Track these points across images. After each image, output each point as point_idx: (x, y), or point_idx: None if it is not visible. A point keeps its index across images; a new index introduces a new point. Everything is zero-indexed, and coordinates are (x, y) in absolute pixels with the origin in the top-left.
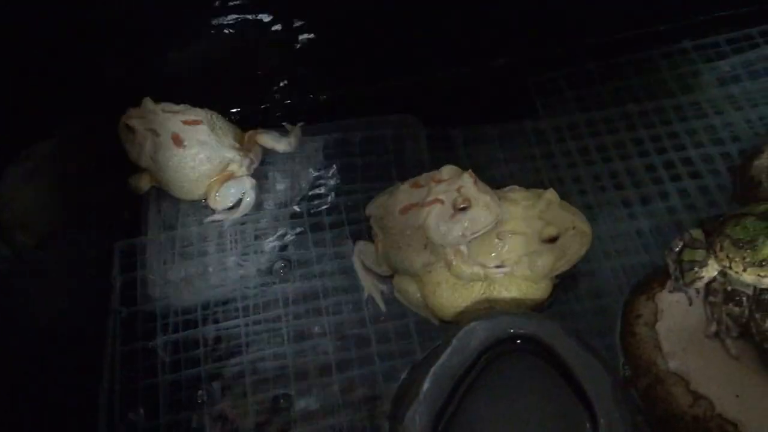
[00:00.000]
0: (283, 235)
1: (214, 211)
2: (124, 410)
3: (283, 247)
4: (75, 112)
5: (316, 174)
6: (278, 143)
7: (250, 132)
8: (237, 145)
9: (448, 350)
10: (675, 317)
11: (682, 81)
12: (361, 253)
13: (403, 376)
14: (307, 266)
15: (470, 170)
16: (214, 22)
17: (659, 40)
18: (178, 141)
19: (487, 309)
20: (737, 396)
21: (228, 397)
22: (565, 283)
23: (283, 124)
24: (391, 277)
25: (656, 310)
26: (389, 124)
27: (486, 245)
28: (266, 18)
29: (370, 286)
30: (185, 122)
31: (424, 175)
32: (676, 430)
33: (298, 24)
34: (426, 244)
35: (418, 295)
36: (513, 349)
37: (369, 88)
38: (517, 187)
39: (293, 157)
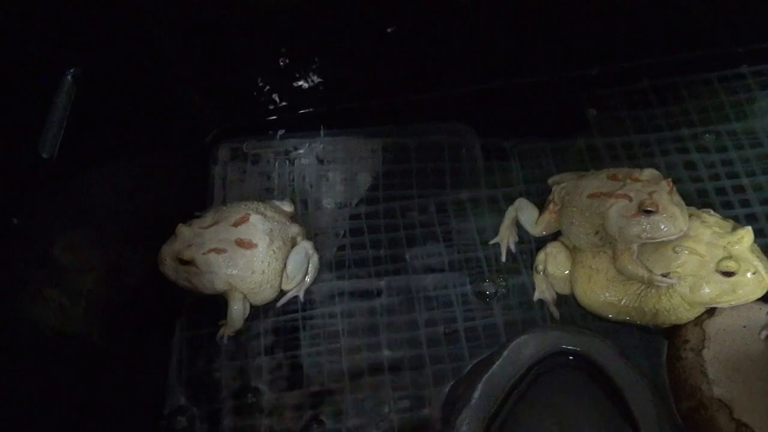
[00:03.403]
0: (341, 235)
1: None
2: None
3: (341, 247)
4: None
5: (372, 177)
6: (284, 204)
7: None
8: (287, 214)
9: (500, 360)
10: (721, 345)
11: (738, 107)
12: (520, 210)
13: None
14: (364, 266)
15: (671, 179)
16: None
17: (716, 63)
18: (245, 244)
19: (636, 309)
20: None
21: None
22: None
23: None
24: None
25: (703, 337)
26: (444, 131)
27: (659, 253)
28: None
29: (504, 236)
30: (235, 224)
31: (625, 169)
32: None
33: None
34: (598, 230)
35: (566, 270)
36: (562, 363)
37: (422, 95)
38: (712, 211)
39: (350, 158)
